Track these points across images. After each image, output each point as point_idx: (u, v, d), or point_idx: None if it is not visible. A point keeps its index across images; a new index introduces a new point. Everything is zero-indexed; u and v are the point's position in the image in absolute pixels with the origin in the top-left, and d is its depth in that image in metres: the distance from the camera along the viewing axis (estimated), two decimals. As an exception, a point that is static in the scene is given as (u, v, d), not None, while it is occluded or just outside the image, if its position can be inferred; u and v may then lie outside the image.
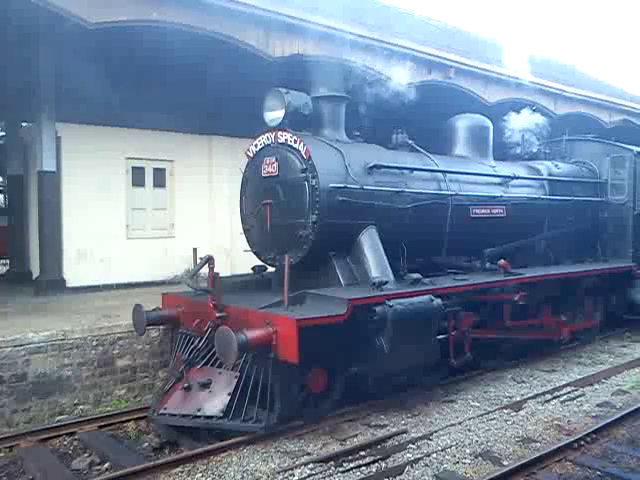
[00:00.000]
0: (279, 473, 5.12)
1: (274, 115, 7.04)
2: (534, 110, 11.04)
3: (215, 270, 6.45)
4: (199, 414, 5.87)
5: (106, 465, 5.56)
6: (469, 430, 6.07)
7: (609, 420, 6.17)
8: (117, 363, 7.38)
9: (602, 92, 15.70)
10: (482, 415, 6.53)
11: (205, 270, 6.53)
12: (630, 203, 10.29)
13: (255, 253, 7.49)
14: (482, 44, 16.00)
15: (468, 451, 5.57)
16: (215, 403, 5.89)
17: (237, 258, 11.37)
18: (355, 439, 5.91)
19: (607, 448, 5.64)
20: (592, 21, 59.72)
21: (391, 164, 7.37)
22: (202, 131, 12.24)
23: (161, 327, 7.50)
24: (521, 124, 10.29)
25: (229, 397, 5.83)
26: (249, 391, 5.83)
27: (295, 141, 6.80)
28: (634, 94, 19.18)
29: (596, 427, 5.96)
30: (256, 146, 7.33)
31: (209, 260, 6.42)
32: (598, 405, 6.92)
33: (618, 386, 7.67)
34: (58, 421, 6.63)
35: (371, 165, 7.10)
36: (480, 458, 5.42)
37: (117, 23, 7.57)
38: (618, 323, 10.79)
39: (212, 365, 6.19)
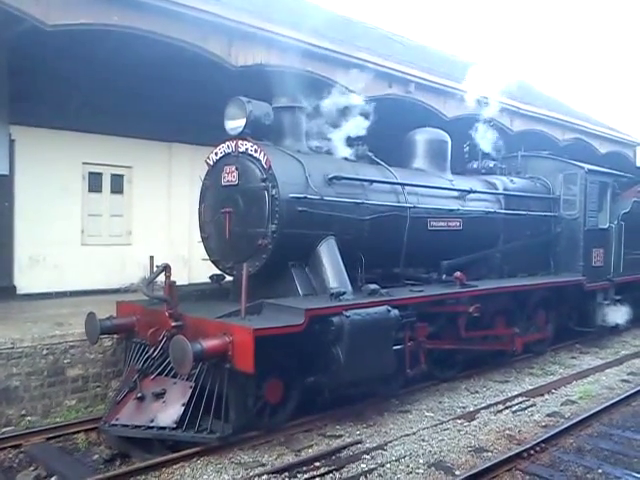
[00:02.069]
0: (233, 485, 5.08)
1: (235, 124, 7.03)
2: (491, 126, 11.32)
3: (172, 279, 6.36)
4: (152, 425, 5.76)
5: (53, 479, 5.40)
6: (423, 440, 6.14)
7: (558, 430, 6.33)
8: (68, 373, 7.19)
9: (556, 111, 16.18)
10: (436, 425, 6.61)
11: (162, 278, 6.44)
12: (581, 219, 10.60)
13: (213, 262, 7.45)
14: (443, 60, 16.33)
15: (421, 461, 5.63)
16: (169, 414, 5.79)
17: (195, 267, 11.25)
18: (310, 450, 5.91)
19: (555, 457, 5.79)
20: (548, 41, 61.68)
21: (351, 176, 7.44)
22: (162, 138, 12.09)
23: (115, 336, 7.36)
24: (479, 139, 10.53)
25: (183, 408, 5.75)
26: (204, 402, 5.76)
27: (256, 150, 6.81)
28: (586, 114, 19.86)
29: (545, 437, 6.11)
30: (216, 154, 7.31)
31: (166, 268, 6.34)
32: (548, 415, 7.10)
33: (567, 396, 7.88)
34: (3, 433, 6.39)
35: (331, 176, 7.16)
36: (433, 468, 5.48)
37: (76, 26, 7.43)
38: (569, 335, 11.08)
39: (167, 375, 6.09)
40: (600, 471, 5.51)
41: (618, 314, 11.48)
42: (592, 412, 6.97)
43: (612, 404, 7.35)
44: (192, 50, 8.41)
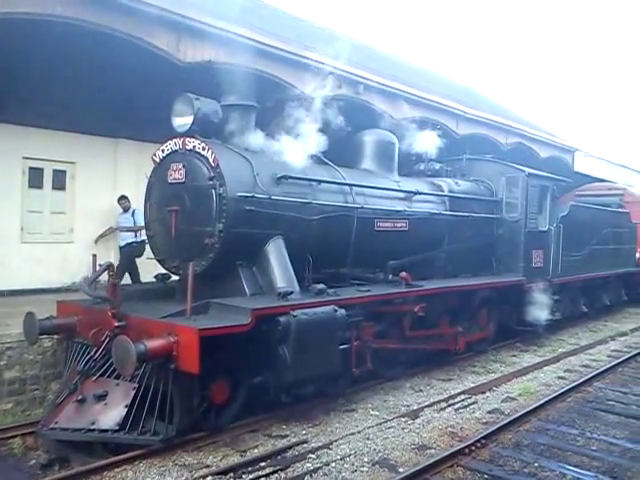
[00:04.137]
0: (176, 487, 5.02)
1: (182, 121, 6.94)
2: (438, 129, 11.55)
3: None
4: (93, 427, 5.62)
5: (-13, 485, 5.21)
6: (368, 439, 6.21)
7: (497, 426, 6.51)
8: (4, 375, 6.93)
9: (500, 115, 16.65)
10: (381, 424, 6.70)
11: (105, 277, 6.31)
12: (522, 221, 10.92)
13: (159, 261, 7.33)
14: (391, 63, 16.56)
15: (366, 459, 5.69)
16: (111, 416, 5.67)
17: (140, 266, 11.03)
18: (255, 450, 5.89)
19: (495, 452, 5.96)
20: (492, 47, 63.42)
21: (299, 175, 7.45)
22: (107, 133, 11.80)
23: (55, 336, 7.14)
24: (425, 142, 10.71)
25: (126, 409, 5.63)
26: (147, 403, 5.66)
27: (203, 148, 6.74)
28: (528, 119, 20.51)
29: (485, 433, 6.28)
30: (163, 151, 7.19)
31: (109, 267, 6.21)
32: (489, 412, 7.29)
33: (507, 393, 8.12)
34: None
35: (279, 175, 7.16)
36: (377, 466, 5.55)
37: (16, 15, 7.18)
38: (509, 334, 11.41)
39: (109, 376, 5.96)
40: (536, 465, 5.70)
41: (556, 313, 11.92)
42: (530, 408, 7.20)
43: (549, 400, 7.61)
44: (139, 44, 8.25)
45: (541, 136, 18.28)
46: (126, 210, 10.86)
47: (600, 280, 14.47)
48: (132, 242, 10.72)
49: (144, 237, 10.41)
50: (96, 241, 11.39)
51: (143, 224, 10.34)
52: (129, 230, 10.73)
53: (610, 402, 7.87)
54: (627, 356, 10.48)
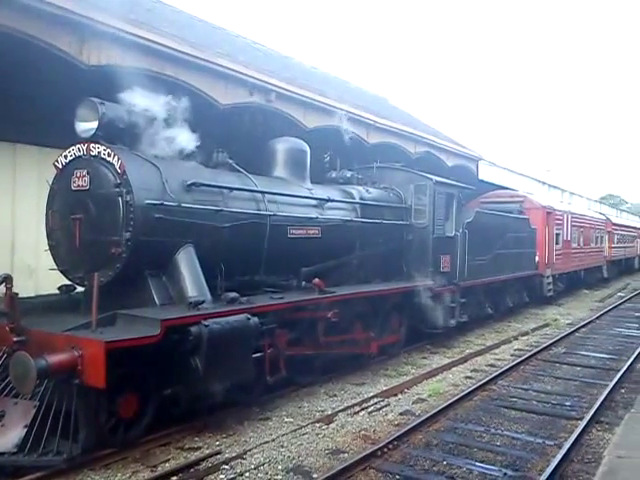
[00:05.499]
0: (81, 508, 4.79)
1: (87, 126, 6.70)
2: (349, 138, 11.78)
3: (14, 290, 5.90)
4: (-12, 451, 5.28)
5: None
6: (282, 446, 6.21)
7: (408, 427, 6.70)
8: None
9: (409, 125, 17.17)
10: (295, 430, 6.71)
11: (2, 290, 5.94)
12: (430, 227, 11.31)
13: (62, 271, 6.99)
14: (305, 72, 16.71)
15: (280, 467, 5.69)
16: (9, 437, 5.35)
17: (43, 277, 10.49)
18: (167, 464, 5.74)
19: (406, 453, 6.12)
20: (404, 60, 65.63)
21: (210, 182, 7.36)
22: (4, 138, 11.12)
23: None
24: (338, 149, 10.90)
25: (25, 429, 5.33)
26: (50, 421, 5.38)
27: (109, 154, 6.52)
28: (435, 129, 21.32)
29: (397, 434, 6.44)
30: (66, 157, 6.90)
31: (6, 279, 5.86)
32: (401, 414, 7.48)
33: (418, 395, 8.36)
34: None
35: (190, 183, 7.04)
36: (292, 473, 5.57)
37: None
38: (420, 336, 11.75)
39: (7, 395, 5.61)
40: (445, 463, 5.91)
41: (463, 316, 12.42)
42: (439, 409, 7.45)
43: (457, 400, 7.90)
44: (37, 44, 7.86)
45: (448, 146, 19.02)
46: None
47: (504, 283, 15.22)
48: None
49: None
50: None
51: None
52: None
53: (513, 399, 8.29)
54: (528, 354, 11.06)
